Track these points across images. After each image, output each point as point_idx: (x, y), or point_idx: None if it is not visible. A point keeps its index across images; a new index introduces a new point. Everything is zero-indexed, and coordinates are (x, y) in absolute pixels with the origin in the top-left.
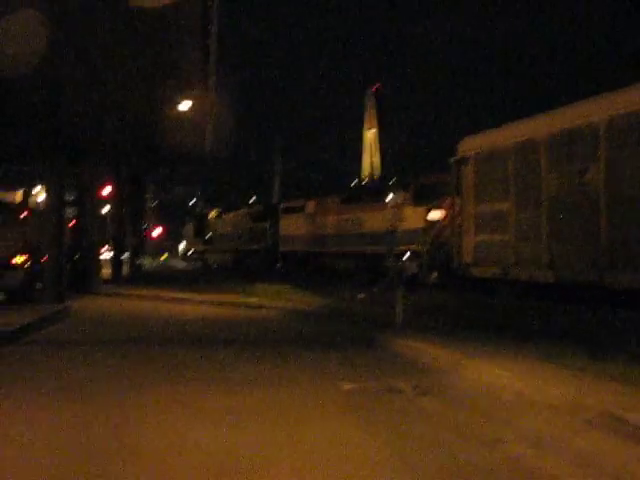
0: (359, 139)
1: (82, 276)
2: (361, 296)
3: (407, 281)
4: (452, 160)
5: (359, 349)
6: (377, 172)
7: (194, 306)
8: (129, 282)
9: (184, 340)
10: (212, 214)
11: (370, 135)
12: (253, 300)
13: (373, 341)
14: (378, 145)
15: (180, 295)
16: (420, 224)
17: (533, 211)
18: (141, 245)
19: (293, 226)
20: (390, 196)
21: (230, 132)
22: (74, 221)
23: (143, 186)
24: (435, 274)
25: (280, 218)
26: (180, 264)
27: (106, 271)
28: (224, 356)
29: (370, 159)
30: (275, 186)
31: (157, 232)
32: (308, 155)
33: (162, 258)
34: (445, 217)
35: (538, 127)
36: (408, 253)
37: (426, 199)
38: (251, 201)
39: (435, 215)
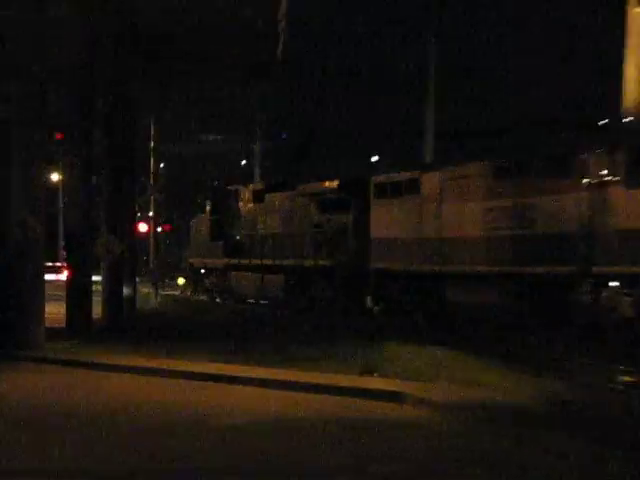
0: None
1: (3, 320)
2: None
3: (615, 330)
4: None
5: None
6: None
7: (252, 393)
8: (106, 336)
9: None
10: (245, 195)
11: None
12: (380, 383)
13: None
14: None
15: (218, 368)
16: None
17: None
18: (132, 256)
19: (395, 221)
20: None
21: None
22: None
23: (139, 127)
24: None
25: (372, 205)
26: (188, 293)
27: (55, 310)
28: None
29: None
30: (427, 137)
31: (142, 227)
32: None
33: (179, 283)
34: None
35: None
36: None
37: None
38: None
39: None
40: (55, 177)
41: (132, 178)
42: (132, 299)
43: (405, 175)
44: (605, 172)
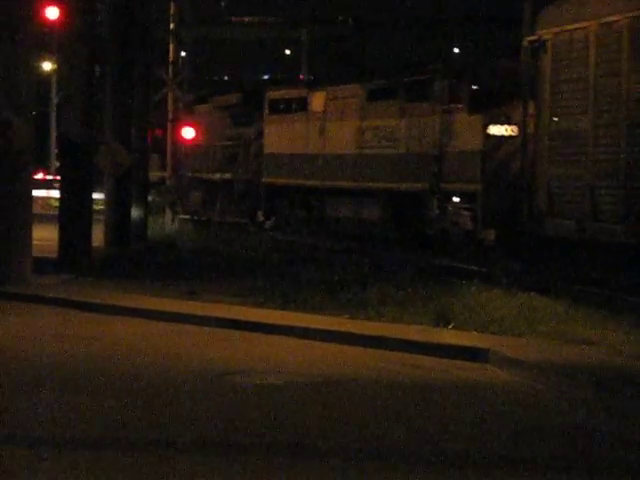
0: None
1: None
2: None
3: (459, 243)
4: (526, 42)
5: None
6: None
7: (293, 345)
8: (108, 269)
9: None
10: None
11: None
12: (456, 337)
13: None
14: None
15: (249, 314)
16: (475, 144)
17: (614, 132)
18: (144, 169)
19: (286, 137)
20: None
21: None
22: None
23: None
24: (492, 232)
25: (265, 121)
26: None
27: (44, 235)
28: None
29: None
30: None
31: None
32: None
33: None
34: (515, 135)
35: None
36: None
37: (488, 103)
38: None
39: (498, 130)
40: (48, 66)
41: (146, 68)
42: (143, 223)
43: (295, 92)
44: (453, 99)
